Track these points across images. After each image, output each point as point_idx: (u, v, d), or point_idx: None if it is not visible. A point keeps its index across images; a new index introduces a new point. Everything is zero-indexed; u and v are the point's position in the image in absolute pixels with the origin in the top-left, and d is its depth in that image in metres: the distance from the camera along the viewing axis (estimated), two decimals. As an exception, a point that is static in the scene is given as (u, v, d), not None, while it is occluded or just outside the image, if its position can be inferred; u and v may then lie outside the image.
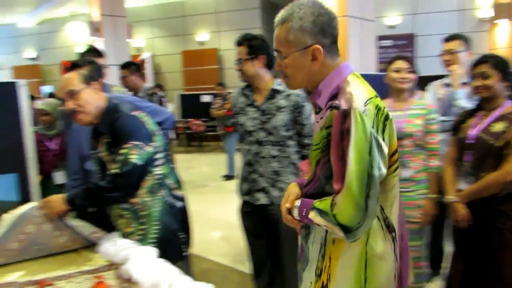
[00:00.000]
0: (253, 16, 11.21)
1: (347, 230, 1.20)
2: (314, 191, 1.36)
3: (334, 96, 1.28)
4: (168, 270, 1.57)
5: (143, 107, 2.48)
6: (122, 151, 1.81)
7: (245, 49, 2.33)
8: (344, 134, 1.21)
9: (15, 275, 1.68)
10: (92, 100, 1.89)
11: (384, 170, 1.24)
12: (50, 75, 13.80)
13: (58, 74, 12.74)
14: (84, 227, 2.04)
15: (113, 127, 1.87)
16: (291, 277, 2.38)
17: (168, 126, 2.75)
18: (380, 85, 2.27)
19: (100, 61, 3.41)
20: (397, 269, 1.31)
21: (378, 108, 1.24)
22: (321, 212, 1.24)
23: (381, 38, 9.55)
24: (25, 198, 3.18)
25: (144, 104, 2.67)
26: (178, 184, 2.05)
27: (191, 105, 11.10)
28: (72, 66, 2.12)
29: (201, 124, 10.10)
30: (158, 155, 1.94)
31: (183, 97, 11.51)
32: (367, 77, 1.40)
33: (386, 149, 1.24)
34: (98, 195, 1.83)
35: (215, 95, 8.10)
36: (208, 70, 11.75)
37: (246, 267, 3.14)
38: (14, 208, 1.92)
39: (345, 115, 1.21)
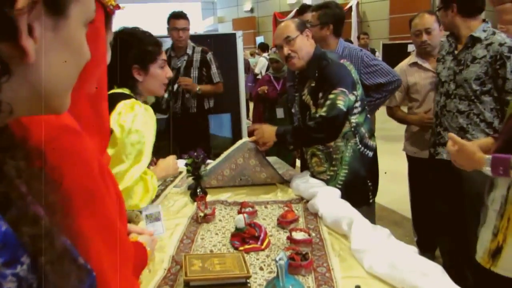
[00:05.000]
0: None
1: None
2: (501, 144, 1.28)
3: None
4: (350, 211, 1.69)
5: (371, 65, 2.46)
6: (330, 96, 1.92)
7: None
8: None
9: (225, 196, 2.04)
10: (305, 47, 2.04)
11: None
12: (263, 26, 14.94)
13: (270, 25, 13.69)
14: (281, 165, 2.30)
15: (321, 72, 1.99)
16: (474, 237, 2.23)
17: (390, 90, 2.52)
18: None
19: None
20: None
21: None
22: None
23: None
24: (236, 135, 3.71)
25: (374, 62, 2.50)
26: (371, 134, 2.10)
27: (395, 56, 10.52)
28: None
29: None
30: (357, 104, 2.01)
31: (387, 47, 10.93)
32: None
33: None
34: (305, 134, 1.97)
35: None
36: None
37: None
38: (227, 143, 2.28)
39: None
